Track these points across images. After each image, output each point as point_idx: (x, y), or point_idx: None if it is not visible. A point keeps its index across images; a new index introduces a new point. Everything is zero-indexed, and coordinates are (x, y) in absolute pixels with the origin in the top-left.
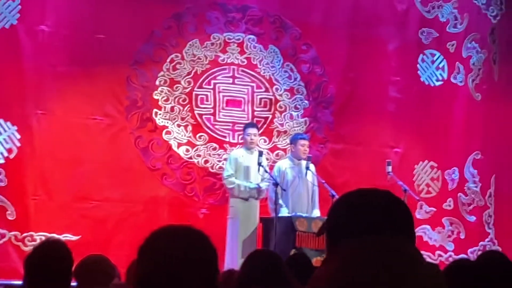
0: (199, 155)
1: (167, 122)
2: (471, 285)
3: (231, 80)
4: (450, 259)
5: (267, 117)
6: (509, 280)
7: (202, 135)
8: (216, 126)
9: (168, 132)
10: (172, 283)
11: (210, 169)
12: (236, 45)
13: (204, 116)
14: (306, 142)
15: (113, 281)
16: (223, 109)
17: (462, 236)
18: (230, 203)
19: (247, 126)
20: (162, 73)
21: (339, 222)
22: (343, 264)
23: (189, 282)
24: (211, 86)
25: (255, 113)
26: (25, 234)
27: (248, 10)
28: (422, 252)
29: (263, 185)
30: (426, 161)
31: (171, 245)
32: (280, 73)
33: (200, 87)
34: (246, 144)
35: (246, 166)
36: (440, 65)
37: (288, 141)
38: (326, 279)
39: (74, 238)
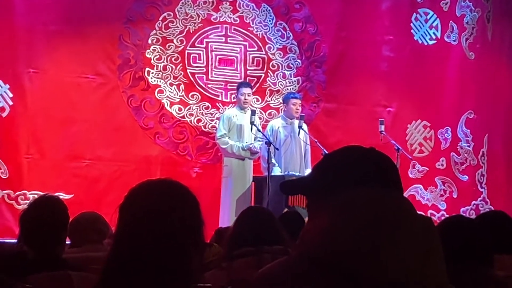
0: (191, 114)
1: (160, 81)
2: (467, 240)
3: (223, 39)
4: (443, 219)
5: (260, 76)
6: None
7: (194, 94)
8: (209, 85)
9: (161, 91)
10: (152, 236)
11: (203, 128)
12: (228, 3)
13: (196, 75)
14: (298, 101)
15: (106, 239)
16: (215, 68)
17: (455, 196)
18: (224, 162)
19: (240, 85)
20: (154, 31)
21: (327, 177)
22: (333, 217)
23: (170, 234)
24: (204, 45)
25: (248, 72)
26: (18, 193)
27: None
28: None
29: (257, 145)
30: (419, 121)
31: (149, 198)
32: (272, 32)
33: (193, 45)
34: (239, 103)
35: (239, 125)
36: (434, 24)
37: (281, 100)
38: (318, 232)
39: (67, 196)
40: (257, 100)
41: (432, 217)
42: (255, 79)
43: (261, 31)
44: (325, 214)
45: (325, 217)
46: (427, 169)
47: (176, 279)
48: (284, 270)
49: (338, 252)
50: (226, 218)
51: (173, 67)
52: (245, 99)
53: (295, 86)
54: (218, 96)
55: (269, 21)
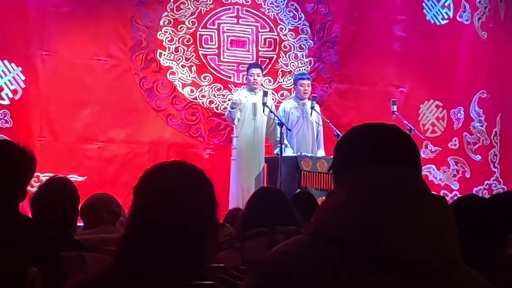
0: (203, 96)
1: (172, 63)
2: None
3: (235, 20)
4: (455, 198)
5: (272, 57)
6: None
7: (206, 76)
8: (221, 67)
9: (173, 73)
10: (166, 218)
11: (215, 110)
12: None
13: (208, 57)
14: (306, 82)
15: (119, 220)
16: (227, 49)
17: (468, 175)
18: (233, 144)
19: (250, 66)
20: (166, 13)
21: (345, 153)
22: (349, 194)
23: (184, 216)
24: (215, 26)
25: (260, 53)
26: None
27: None
28: None
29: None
30: (431, 101)
31: (164, 180)
32: (284, 12)
33: (204, 27)
34: (249, 84)
35: (250, 106)
36: (446, 4)
37: (292, 81)
38: (332, 209)
39: (80, 179)
40: (269, 81)
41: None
42: (267, 60)
43: (272, 12)
44: (340, 192)
45: (340, 195)
46: (440, 149)
47: (189, 260)
48: (298, 247)
49: (352, 229)
50: (235, 200)
51: (185, 48)
52: (254, 79)
53: (307, 67)
54: (230, 77)
55: (281, 2)
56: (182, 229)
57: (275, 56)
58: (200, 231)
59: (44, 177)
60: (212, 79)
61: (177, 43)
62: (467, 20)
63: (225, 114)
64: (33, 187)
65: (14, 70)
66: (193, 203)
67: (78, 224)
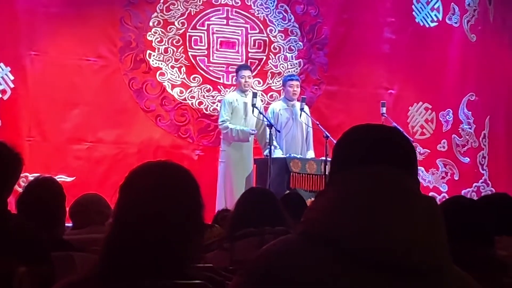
0: (193, 97)
1: (161, 64)
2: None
3: (225, 21)
4: (444, 199)
5: (261, 59)
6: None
7: (196, 77)
8: (210, 68)
9: (162, 74)
10: (151, 217)
11: (204, 111)
12: None
13: (198, 58)
14: (295, 83)
15: (108, 220)
16: (217, 50)
17: (456, 178)
18: (221, 146)
19: (240, 68)
20: (155, 14)
21: (339, 153)
22: (338, 195)
23: (169, 215)
24: (205, 28)
25: (249, 54)
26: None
27: None
28: None
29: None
30: (420, 103)
31: (148, 180)
32: (274, 14)
33: (194, 28)
34: (240, 86)
35: (241, 108)
36: (435, 6)
37: (281, 82)
38: (320, 209)
39: (69, 179)
40: (259, 83)
41: None
42: (257, 61)
43: (262, 13)
44: (330, 192)
45: (330, 195)
46: (429, 151)
47: (175, 259)
48: (287, 247)
49: (340, 230)
50: (222, 202)
51: (175, 49)
52: (245, 81)
53: (297, 69)
54: (219, 78)
55: (271, 3)
56: (167, 229)
57: (264, 57)
58: (185, 230)
59: (32, 177)
60: (201, 80)
61: (166, 44)
62: (456, 23)
63: (226, 130)
64: (20, 187)
65: (3, 70)
66: (178, 202)
67: (66, 224)
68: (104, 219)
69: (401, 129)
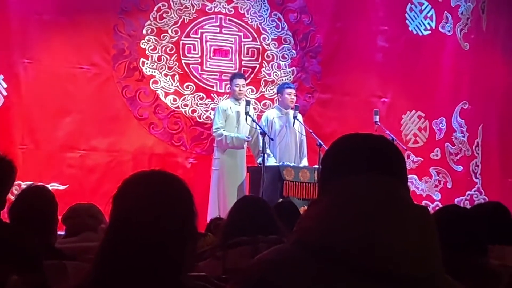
0: (186, 105)
1: (154, 72)
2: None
3: (218, 29)
4: (437, 208)
5: (255, 67)
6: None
7: (189, 85)
8: (204, 76)
9: (155, 82)
10: (144, 227)
11: (198, 119)
12: None
13: (191, 66)
14: (292, 91)
15: (100, 226)
16: (210, 58)
17: (449, 186)
18: (214, 154)
19: (234, 76)
20: (149, 22)
21: (331, 162)
22: (331, 203)
23: (162, 225)
24: (198, 36)
25: (243, 62)
26: None
27: None
28: None
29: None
30: (413, 111)
31: (141, 189)
32: (267, 22)
33: (187, 36)
34: (234, 95)
35: (235, 116)
36: (428, 14)
37: (275, 90)
38: (314, 218)
39: (62, 187)
40: (252, 91)
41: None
42: (250, 69)
43: (255, 21)
44: (323, 201)
45: (323, 204)
46: (422, 159)
47: (168, 268)
48: (280, 256)
49: (333, 239)
50: (215, 210)
51: (168, 57)
52: (239, 90)
53: (290, 77)
54: (212, 86)
55: (264, 11)
56: (162, 235)
57: (258, 65)
58: (180, 237)
59: (25, 185)
60: (194, 88)
61: (160, 52)
62: (449, 31)
63: (220, 138)
64: (13, 195)
65: None
66: (171, 211)
67: (58, 233)
68: (97, 224)
69: (394, 138)
